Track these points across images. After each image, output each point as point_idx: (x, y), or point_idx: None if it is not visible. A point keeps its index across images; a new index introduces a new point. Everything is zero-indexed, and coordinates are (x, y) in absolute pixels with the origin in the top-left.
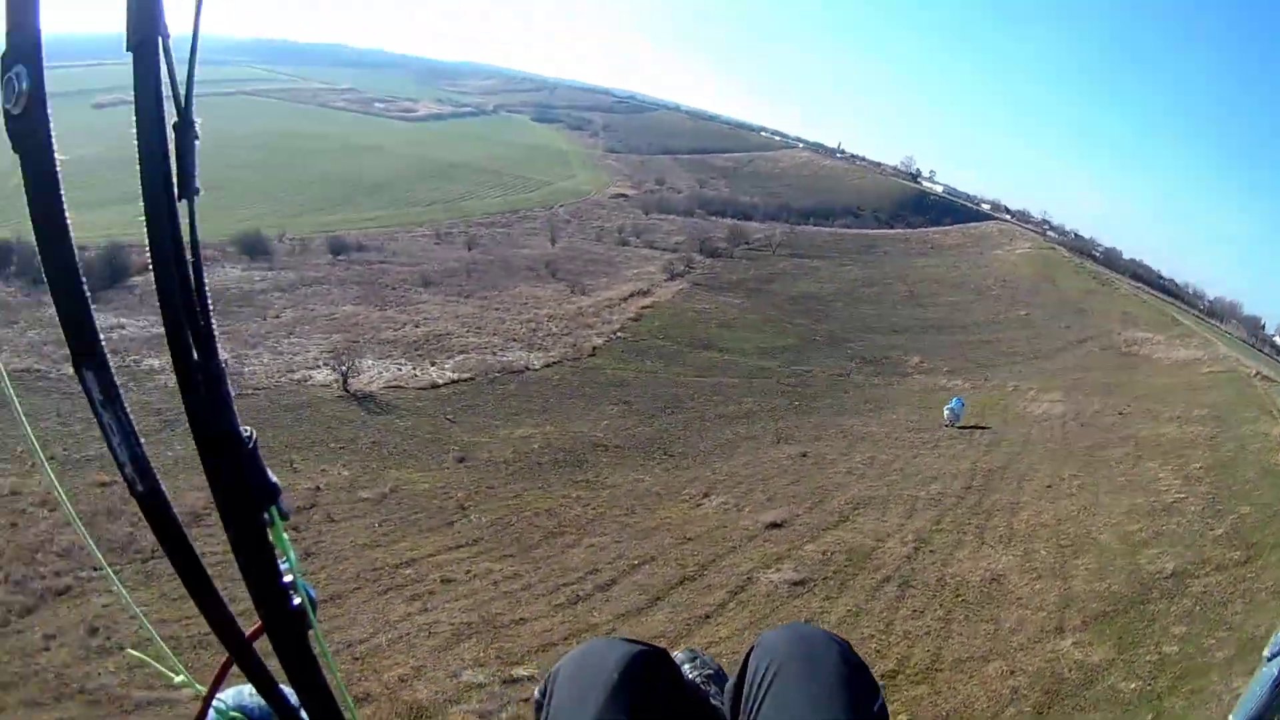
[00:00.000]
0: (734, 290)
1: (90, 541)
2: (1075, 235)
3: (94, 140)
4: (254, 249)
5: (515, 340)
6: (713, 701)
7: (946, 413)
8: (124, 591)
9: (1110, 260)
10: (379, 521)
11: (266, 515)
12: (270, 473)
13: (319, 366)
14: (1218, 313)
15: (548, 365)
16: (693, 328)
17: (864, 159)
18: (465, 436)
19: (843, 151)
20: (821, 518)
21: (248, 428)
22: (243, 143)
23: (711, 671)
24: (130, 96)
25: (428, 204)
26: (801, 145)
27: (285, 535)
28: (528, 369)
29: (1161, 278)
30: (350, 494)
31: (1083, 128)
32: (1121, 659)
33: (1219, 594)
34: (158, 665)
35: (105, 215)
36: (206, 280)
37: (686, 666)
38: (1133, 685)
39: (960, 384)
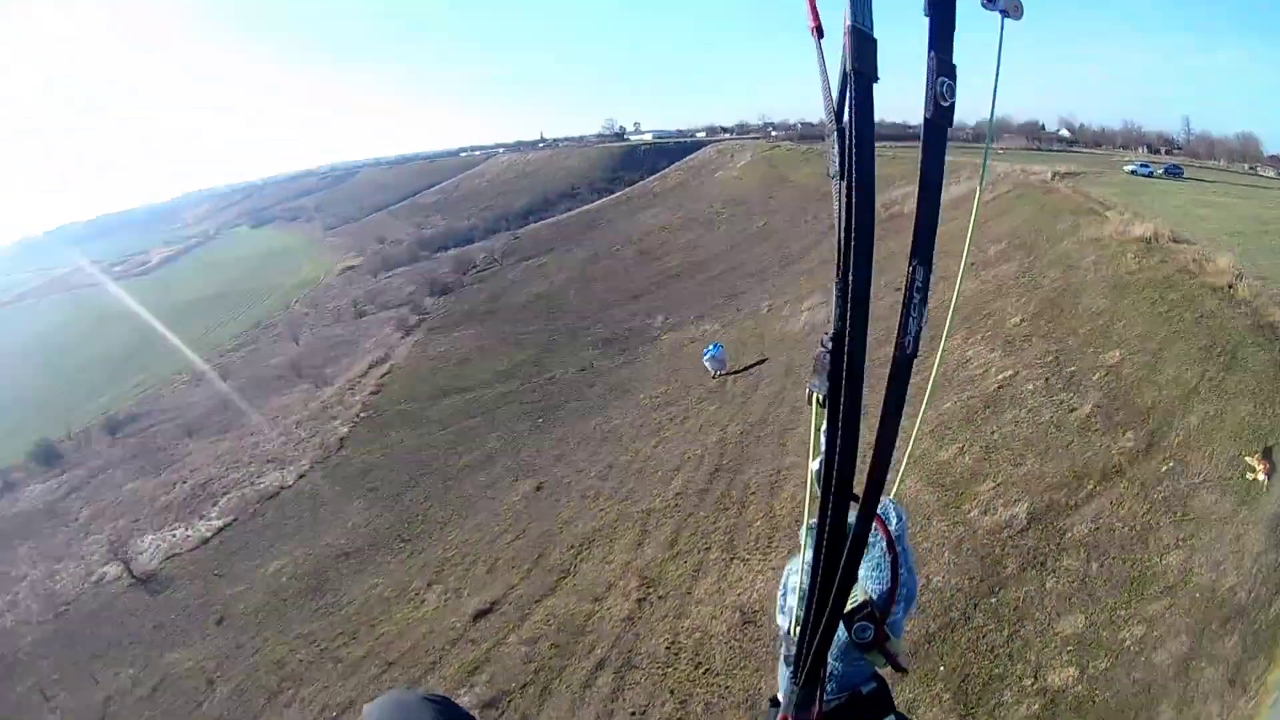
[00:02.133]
0: (467, 322)
1: None
2: (800, 124)
3: None
4: (48, 458)
5: (271, 461)
6: None
7: (708, 364)
8: None
9: None
10: None
11: None
12: None
13: (111, 560)
14: (981, 135)
15: (300, 476)
16: (431, 379)
17: (566, 139)
18: (227, 589)
19: (544, 140)
20: (538, 582)
21: None
22: (16, 357)
23: None
24: None
25: (177, 350)
26: (502, 150)
27: None
28: (283, 489)
29: (911, 126)
30: (132, 696)
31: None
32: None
33: (1124, 525)
34: None
35: None
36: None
37: None
38: None
39: (711, 327)
